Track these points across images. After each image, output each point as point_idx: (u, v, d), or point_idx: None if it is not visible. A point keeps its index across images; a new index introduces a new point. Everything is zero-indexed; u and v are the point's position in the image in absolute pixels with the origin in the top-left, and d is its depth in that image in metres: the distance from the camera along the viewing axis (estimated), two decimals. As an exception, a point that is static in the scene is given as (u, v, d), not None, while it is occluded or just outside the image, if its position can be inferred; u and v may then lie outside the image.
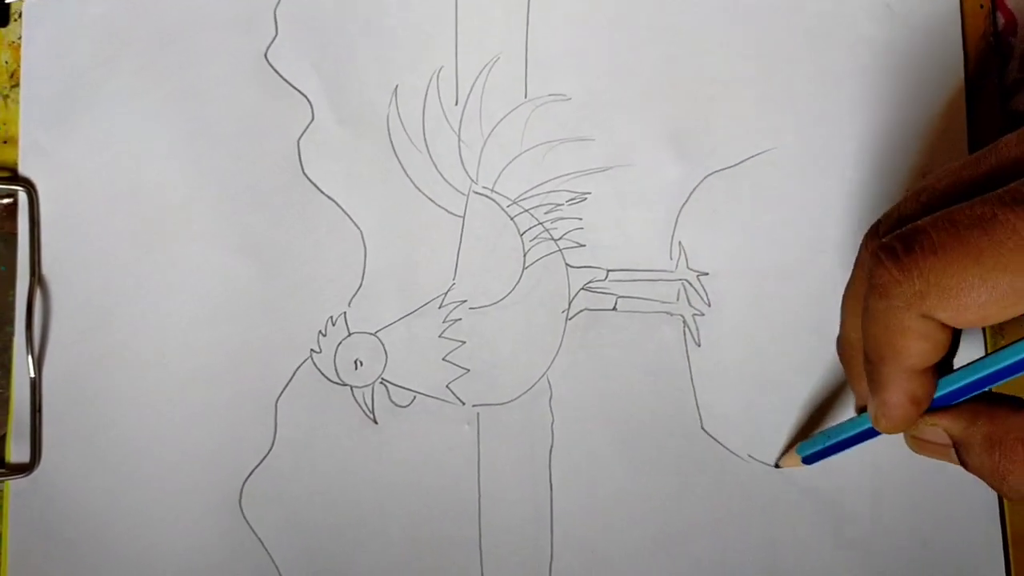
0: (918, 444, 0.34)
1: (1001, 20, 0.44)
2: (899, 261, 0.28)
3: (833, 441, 0.38)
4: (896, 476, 0.42)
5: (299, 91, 0.43)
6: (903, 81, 0.43)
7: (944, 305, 0.28)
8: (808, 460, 0.40)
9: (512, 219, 0.43)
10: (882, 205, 0.43)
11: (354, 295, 0.42)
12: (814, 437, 0.39)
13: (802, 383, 0.42)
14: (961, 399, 0.32)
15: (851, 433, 0.37)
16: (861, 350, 0.32)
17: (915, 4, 0.43)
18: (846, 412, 0.42)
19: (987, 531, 0.41)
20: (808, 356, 0.42)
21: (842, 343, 0.36)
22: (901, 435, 0.34)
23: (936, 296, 0.28)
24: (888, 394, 0.31)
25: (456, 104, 0.43)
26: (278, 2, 0.44)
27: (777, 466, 0.42)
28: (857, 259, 0.34)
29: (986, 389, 0.31)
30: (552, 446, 0.42)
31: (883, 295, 0.29)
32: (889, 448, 0.41)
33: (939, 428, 0.32)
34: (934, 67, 0.43)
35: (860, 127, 0.43)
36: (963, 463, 0.32)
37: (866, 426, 0.35)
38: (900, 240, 0.28)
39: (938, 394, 0.32)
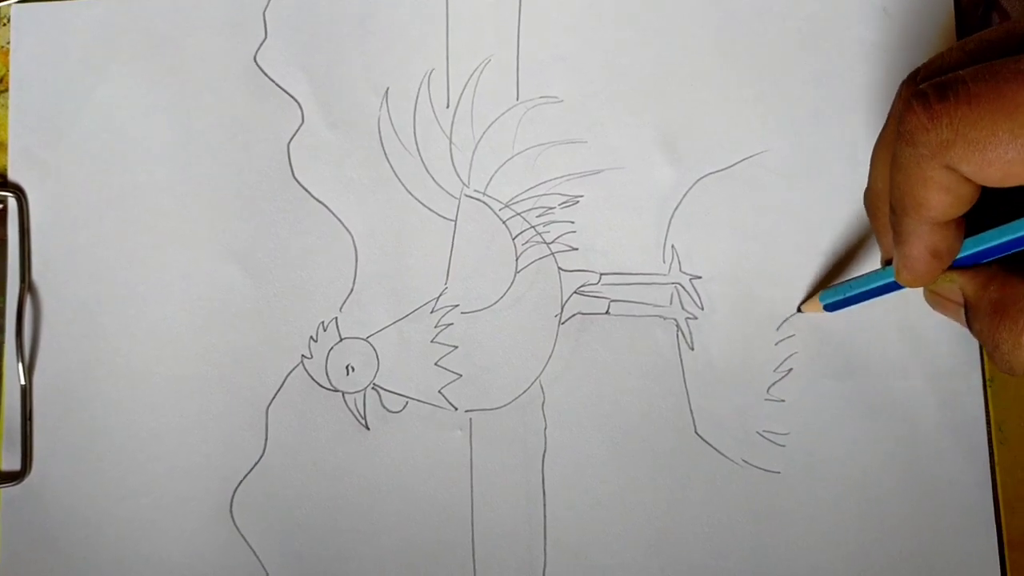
0: (934, 299, 0.34)
1: (996, 21, 0.43)
2: (930, 108, 0.28)
3: (855, 292, 0.38)
4: (892, 480, 0.41)
5: (289, 94, 0.43)
6: (897, 84, 0.43)
7: (969, 158, 0.27)
8: (830, 308, 0.40)
9: (504, 223, 0.42)
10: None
11: (345, 300, 0.42)
12: (837, 286, 0.39)
13: (797, 390, 0.42)
14: (983, 261, 0.31)
15: (874, 285, 0.37)
16: (887, 201, 0.32)
17: (910, 6, 0.43)
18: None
19: (983, 536, 0.41)
20: (802, 360, 0.42)
21: (869, 194, 0.35)
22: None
23: (962, 147, 0.27)
24: (910, 247, 0.31)
25: (447, 107, 0.43)
26: (267, 4, 0.44)
27: (799, 310, 0.42)
28: (892, 107, 0.33)
29: (1009, 253, 0.31)
30: (545, 451, 0.42)
31: (910, 142, 0.28)
32: (884, 452, 0.41)
33: (956, 286, 0.32)
34: (928, 68, 0.42)
35: (854, 130, 0.42)
36: (969, 325, 0.32)
37: (889, 279, 0.35)
38: (935, 88, 0.28)
39: (963, 254, 0.31)
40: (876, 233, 0.36)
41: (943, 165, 0.28)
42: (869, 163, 0.34)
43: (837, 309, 0.40)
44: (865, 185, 0.35)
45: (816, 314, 0.42)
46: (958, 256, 0.32)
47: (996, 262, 0.31)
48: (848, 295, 0.38)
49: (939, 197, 0.29)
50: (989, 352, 0.32)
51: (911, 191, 0.29)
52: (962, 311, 0.33)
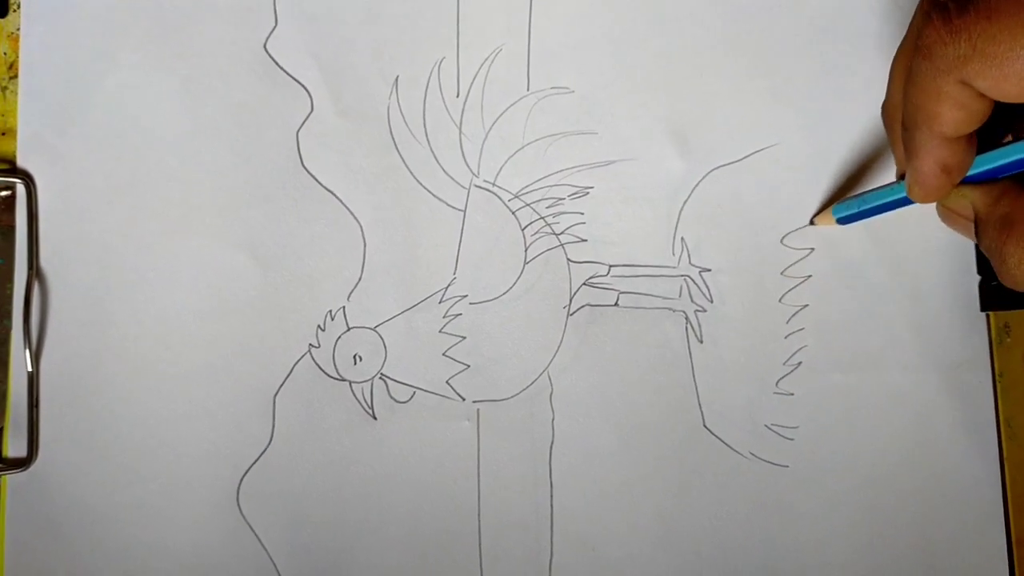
0: (946, 213, 0.34)
1: None
2: (949, 22, 0.27)
3: (868, 205, 0.38)
4: (901, 477, 0.41)
5: (298, 82, 0.43)
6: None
7: (985, 73, 0.27)
8: (843, 221, 0.40)
9: (514, 213, 0.42)
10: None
11: (353, 289, 0.42)
12: (850, 199, 0.39)
13: (806, 383, 0.42)
14: (996, 178, 0.32)
15: (887, 199, 0.37)
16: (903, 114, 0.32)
17: (922, -3, 0.43)
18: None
19: (991, 533, 0.41)
20: (812, 354, 0.42)
21: (887, 107, 0.35)
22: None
23: (979, 62, 0.27)
24: (921, 161, 0.31)
25: (457, 96, 0.43)
26: (278, -8, 0.43)
27: (812, 223, 0.42)
28: (912, 20, 0.33)
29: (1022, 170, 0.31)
30: (553, 442, 0.42)
31: (926, 56, 0.28)
32: (893, 447, 0.41)
33: (967, 201, 0.32)
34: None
35: (864, 123, 0.42)
36: (978, 240, 0.32)
37: (901, 194, 0.35)
38: (955, 1, 0.28)
39: (976, 170, 0.32)
40: (892, 145, 0.36)
41: (958, 80, 0.28)
42: (888, 74, 0.34)
43: (850, 222, 0.40)
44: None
45: (824, 311, 0.41)
46: (969, 172, 0.32)
47: (1008, 178, 0.32)
48: (862, 208, 0.38)
49: (952, 112, 0.29)
50: (997, 267, 0.31)
51: (924, 105, 0.29)
52: (972, 226, 0.33)
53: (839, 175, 0.42)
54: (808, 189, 0.42)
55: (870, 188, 0.39)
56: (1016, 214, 0.31)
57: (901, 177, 0.36)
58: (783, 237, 0.42)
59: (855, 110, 0.42)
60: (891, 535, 0.41)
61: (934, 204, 0.34)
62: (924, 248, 0.42)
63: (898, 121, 0.33)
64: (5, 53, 0.43)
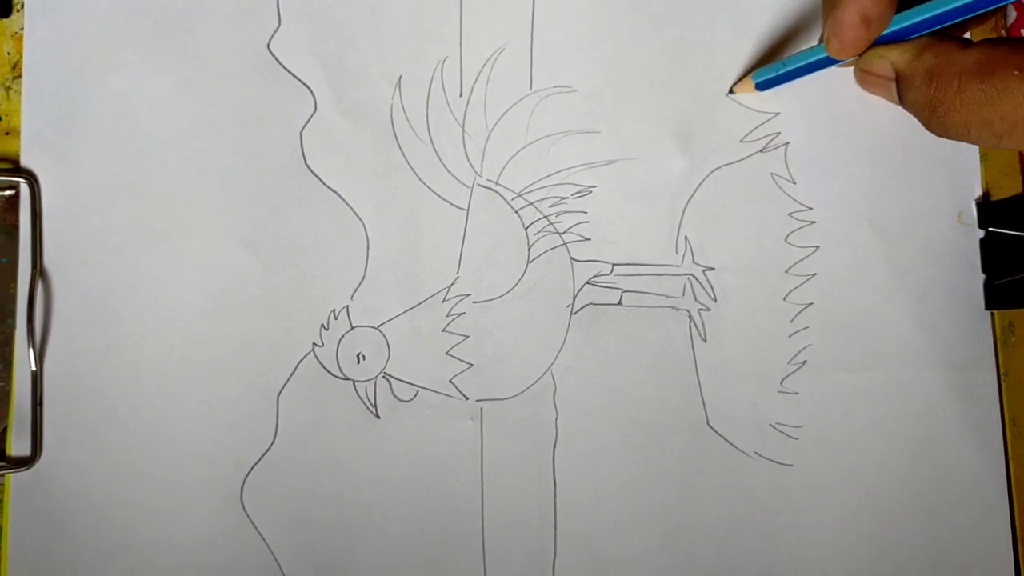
0: (863, 77, 0.35)
1: (1013, 15, 0.43)
2: None
3: (788, 68, 0.38)
4: (905, 476, 0.41)
5: (301, 82, 0.43)
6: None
7: None
8: (762, 86, 0.40)
9: (517, 212, 0.42)
10: (889, 201, 0.42)
11: (357, 288, 0.42)
12: (770, 65, 0.39)
13: (811, 382, 0.41)
14: (914, 36, 0.33)
15: (806, 61, 0.37)
16: None
17: None
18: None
19: (996, 532, 0.41)
20: (816, 353, 0.42)
21: None
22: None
23: None
24: (841, 11, 0.32)
25: (460, 95, 0.43)
26: (281, -8, 0.43)
27: (731, 91, 0.42)
28: None
29: (941, 27, 0.32)
30: (556, 442, 0.42)
31: None
32: (898, 446, 0.41)
33: (887, 61, 0.33)
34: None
35: (869, 124, 0.42)
36: (901, 98, 0.33)
37: (821, 55, 0.36)
38: None
39: (893, 27, 0.33)
40: (824, 13, 0.36)
41: None
42: None
43: (769, 87, 0.40)
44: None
45: (828, 309, 0.41)
46: (888, 31, 0.33)
47: (928, 34, 0.33)
48: (781, 72, 0.39)
49: None
50: (924, 119, 0.32)
51: None
52: (892, 86, 0.34)
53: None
54: (812, 189, 0.42)
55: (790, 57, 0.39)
56: (940, 66, 0.32)
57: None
58: (787, 235, 0.42)
59: (860, 110, 0.42)
60: (895, 535, 0.41)
61: (851, 69, 0.35)
62: (929, 246, 0.42)
63: None
64: (9, 53, 0.43)
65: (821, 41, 0.36)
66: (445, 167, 0.43)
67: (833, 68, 0.36)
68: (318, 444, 0.41)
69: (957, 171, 0.42)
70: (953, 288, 0.42)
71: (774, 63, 0.39)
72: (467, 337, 0.42)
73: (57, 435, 0.41)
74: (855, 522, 0.41)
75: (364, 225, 0.42)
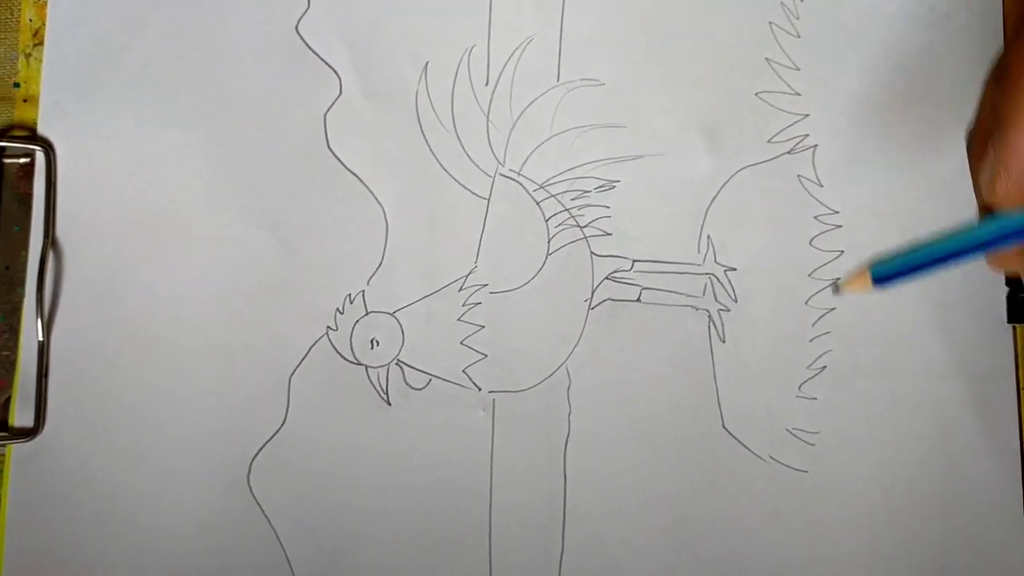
0: None
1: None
2: None
3: (922, 255, 0.31)
4: (921, 487, 0.41)
5: (328, 64, 0.42)
6: (943, 83, 0.42)
7: None
8: (880, 282, 0.32)
9: (538, 204, 0.42)
10: (918, 208, 0.42)
11: (374, 273, 0.42)
12: (893, 257, 0.32)
13: (830, 388, 0.41)
14: None
15: (945, 250, 0.30)
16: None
17: (956, 5, 0.43)
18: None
19: (1012, 545, 0.40)
20: (836, 359, 0.41)
21: (975, 130, 0.32)
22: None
23: None
24: (1016, 137, 0.28)
25: (486, 84, 0.42)
26: (311, -27, 0.43)
27: (836, 288, 0.34)
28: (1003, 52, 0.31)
29: None
30: (568, 437, 0.41)
31: None
32: (915, 454, 0.41)
33: None
34: (975, 68, 0.42)
35: (898, 128, 0.42)
36: None
37: (976, 237, 0.30)
38: None
39: None
40: (973, 175, 0.32)
41: None
42: (977, 103, 0.32)
43: (889, 283, 0.32)
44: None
45: (850, 315, 0.41)
46: None
47: None
48: (910, 260, 0.31)
49: None
50: None
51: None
52: None
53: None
54: (838, 192, 0.42)
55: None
56: None
57: (984, 210, 0.31)
58: (812, 238, 0.42)
59: (888, 115, 0.42)
60: (910, 545, 0.40)
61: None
62: (953, 256, 0.42)
63: (983, 139, 0.30)
64: (31, 20, 0.43)
65: (981, 212, 0.32)
66: (468, 156, 0.42)
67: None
68: (328, 428, 0.41)
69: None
70: (976, 300, 0.42)
71: (900, 253, 0.32)
72: (482, 327, 0.41)
73: (61, 408, 0.41)
74: (869, 531, 0.41)
75: (384, 210, 0.42)
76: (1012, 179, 0.28)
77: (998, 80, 0.30)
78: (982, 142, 0.30)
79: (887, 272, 0.32)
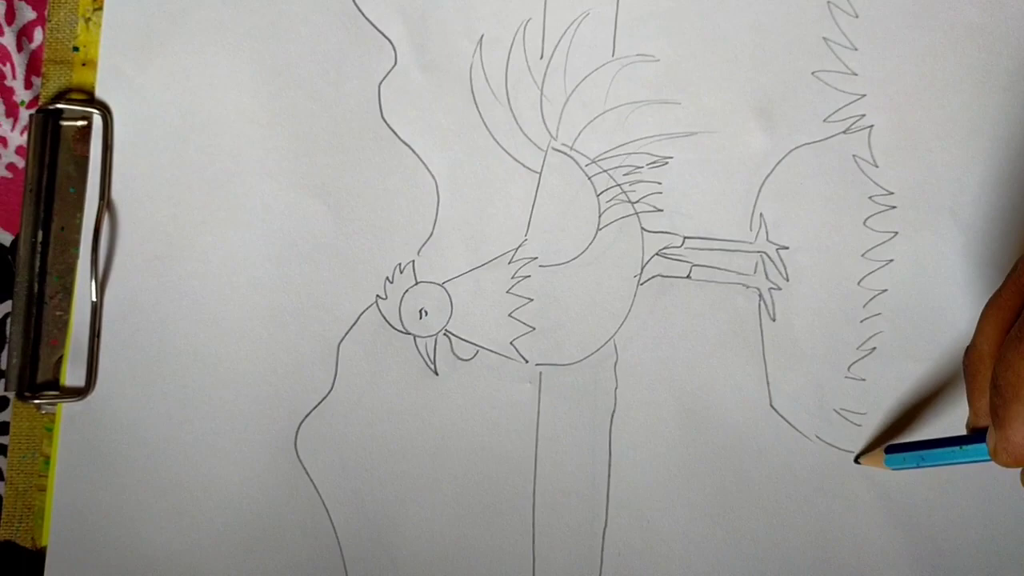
0: None
1: None
2: None
3: (930, 464, 0.36)
4: (968, 473, 0.40)
5: (384, 35, 0.43)
6: (1004, 67, 0.42)
7: None
8: (895, 467, 0.38)
9: (590, 179, 0.42)
10: (974, 192, 0.42)
11: (424, 244, 0.42)
12: (908, 454, 0.37)
13: (879, 370, 0.41)
14: None
15: (956, 460, 0.35)
16: (991, 366, 0.31)
17: (1017, -10, 0.42)
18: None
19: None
20: (887, 340, 0.41)
21: (972, 354, 0.33)
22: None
23: None
24: (1013, 431, 0.30)
25: (541, 58, 0.42)
26: (369, -56, 0.43)
27: (857, 461, 0.40)
28: (1014, 270, 0.32)
29: None
30: (614, 411, 0.41)
31: None
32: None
33: None
34: (1037, 53, 0.42)
35: (955, 111, 0.42)
36: None
37: (979, 457, 0.33)
38: None
39: None
40: (969, 395, 0.34)
41: None
42: (978, 320, 0.33)
43: (901, 469, 0.38)
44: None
45: (903, 297, 0.41)
46: None
47: None
48: (921, 465, 0.37)
49: None
50: None
51: None
52: None
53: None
54: (893, 173, 0.42)
55: (931, 440, 0.37)
56: None
57: (973, 430, 0.34)
58: (866, 219, 0.41)
59: (946, 97, 0.42)
60: (955, 527, 0.40)
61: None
62: (1009, 240, 0.42)
63: (983, 373, 0.32)
64: (92, -15, 0.43)
65: (968, 429, 0.35)
66: (521, 129, 0.42)
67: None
68: (375, 396, 0.41)
69: (1045, 165, 0.42)
70: (1029, 285, 0.41)
71: (914, 451, 0.37)
72: (531, 300, 0.41)
73: (112, 368, 0.41)
74: (912, 513, 0.40)
75: (436, 181, 0.42)
76: (1015, 461, 0.31)
77: (996, 386, 0.30)
78: (978, 362, 0.33)
79: (898, 464, 0.37)
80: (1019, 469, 0.32)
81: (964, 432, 0.35)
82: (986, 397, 0.32)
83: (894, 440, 0.40)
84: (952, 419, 0.41)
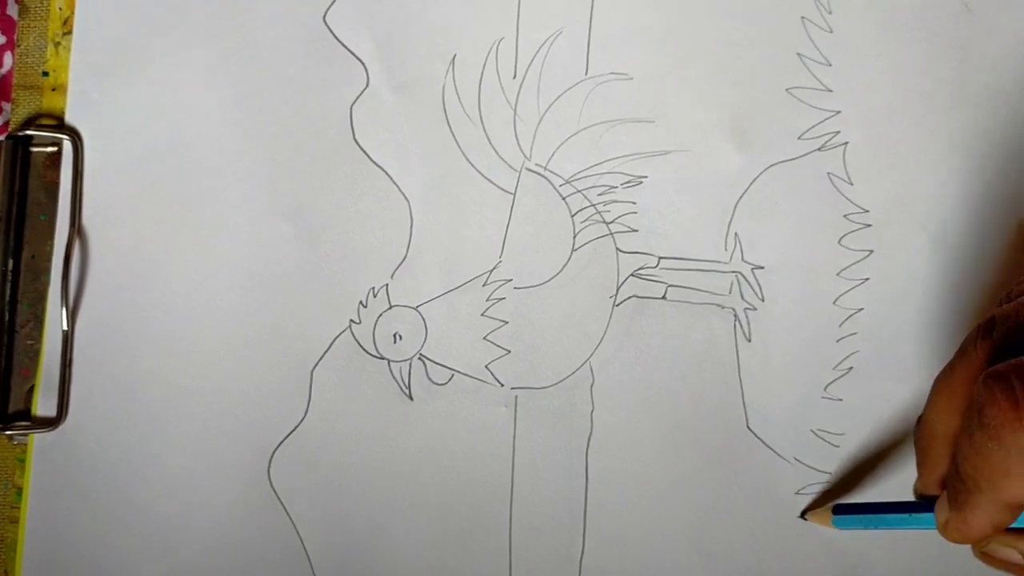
0: (986, 559, 0.32)
1: None
2: (1017, 407, 0.25)
3: (876, 528, 0.36)
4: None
5: (355, 56, 0.42)
6: (979, 81, 0.42)
7: None
8: (841, 528, 0.38)
9: (564, 199, 0.42)
10: (950, 209, 0.41)
11: (398, 267, 0.41)
12: (856, 516, 0.37)
13: (856, 390, 0.41)
14: None
15: (904, 526, 0.35)
16: (943, 442, 0.30)
17: (994, 4, 0.42)
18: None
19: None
20: (864, 360, 0.41)
21: (923, 428, 0.33)
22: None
23: None
24: (971, 516, 0.29)
25: (514, 78, 0.42)
26: (339, -35, 0.43)
27: (803, 517, 0.40)
28: (962, 348, 0.31)
29: None
30: (591, 435, 0.41)
31: (994, 437, 0.26)
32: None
33: (1015, 551, 0.30)
34: (1012, 67, 0.41)
35: (932, 126, 0.41)
36: None
37: (927, 526, 0.33)
38: (1020, 375, 0.26)
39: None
40: (919, 467, 0.34)
41: None
42: (929, 394, 0.33)
43: (848, 529, 0.38)
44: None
45: (879, 316, 0.40)
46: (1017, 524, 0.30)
47: None
48: (868, 527, 0.37)
49: (1021, 487, 0.27)
50: None
51: (991, 477, 0.28)
52: (1019, 568, 0.31)
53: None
54: (868, 191, 0.41)
55: (880, 503, 0.37)
56: None
57: (921, 497, 0.34)
58: (841, 237, 0.41)
59: (922, 112, 0.41)
60: (933, 548, 0.40)
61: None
62: (987, 257, 0.41)
63: (934, 448, 0.32)
64: (60, 8, 0.43)
65: (916, 495, 0.34)
66: (494, 149, 0.42)
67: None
68: (349, 422, 0.41)
69: (1020, 180, 0.41)
70: (1007, 303, 0.41)
71: (861, 514, 0.37)
72: (506, 323, 0.41)
73: (85, 397, 0.41)
74: (892, 538, 0.40)
75: (409, 203, 0.42)
76: (963, 540, 0.31)
77: (957, 473, 0.30)
78: (930, 438, 0.32)
79: (844, 525, 0.37)
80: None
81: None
82: (936, 472, 0.32)
83: (842, 498, 0.40)
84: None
